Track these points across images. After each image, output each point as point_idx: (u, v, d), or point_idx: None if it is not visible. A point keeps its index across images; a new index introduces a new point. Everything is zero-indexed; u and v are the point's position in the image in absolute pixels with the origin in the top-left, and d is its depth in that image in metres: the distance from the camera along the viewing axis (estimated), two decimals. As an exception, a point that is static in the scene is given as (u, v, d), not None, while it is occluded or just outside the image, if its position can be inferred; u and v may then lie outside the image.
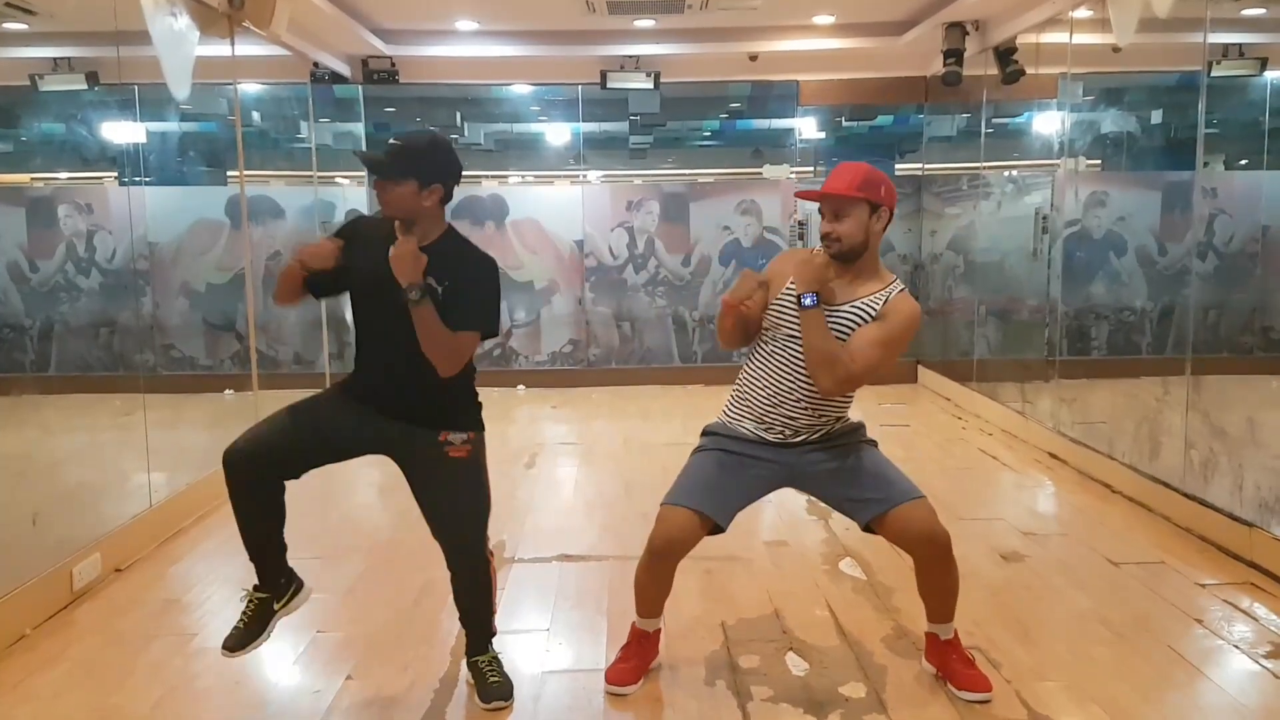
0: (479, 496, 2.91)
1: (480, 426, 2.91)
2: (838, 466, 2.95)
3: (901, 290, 2.92)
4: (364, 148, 8.39)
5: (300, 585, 2.97)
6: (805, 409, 2.93)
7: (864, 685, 3.04)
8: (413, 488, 2.91)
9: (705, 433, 3.10)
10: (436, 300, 2.72)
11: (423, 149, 2.87)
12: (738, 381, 3.08)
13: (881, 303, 2.88)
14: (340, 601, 3.78)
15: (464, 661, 3.07)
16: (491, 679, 2.96)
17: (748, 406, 3.00)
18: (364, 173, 8.39)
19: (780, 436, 2.95)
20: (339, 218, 8.06)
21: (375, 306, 2.83)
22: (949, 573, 2.95)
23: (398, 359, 2.79)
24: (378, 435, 2.85)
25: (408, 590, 3.83)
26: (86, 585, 3.85)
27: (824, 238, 2.89)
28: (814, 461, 2.96)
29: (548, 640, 3.40)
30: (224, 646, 2.81)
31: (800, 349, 2.87)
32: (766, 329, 2.99)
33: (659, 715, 2.89)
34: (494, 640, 3.07)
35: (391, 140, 2.82)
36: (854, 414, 3.07)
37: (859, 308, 2.88)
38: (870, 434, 3.12)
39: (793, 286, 2.89)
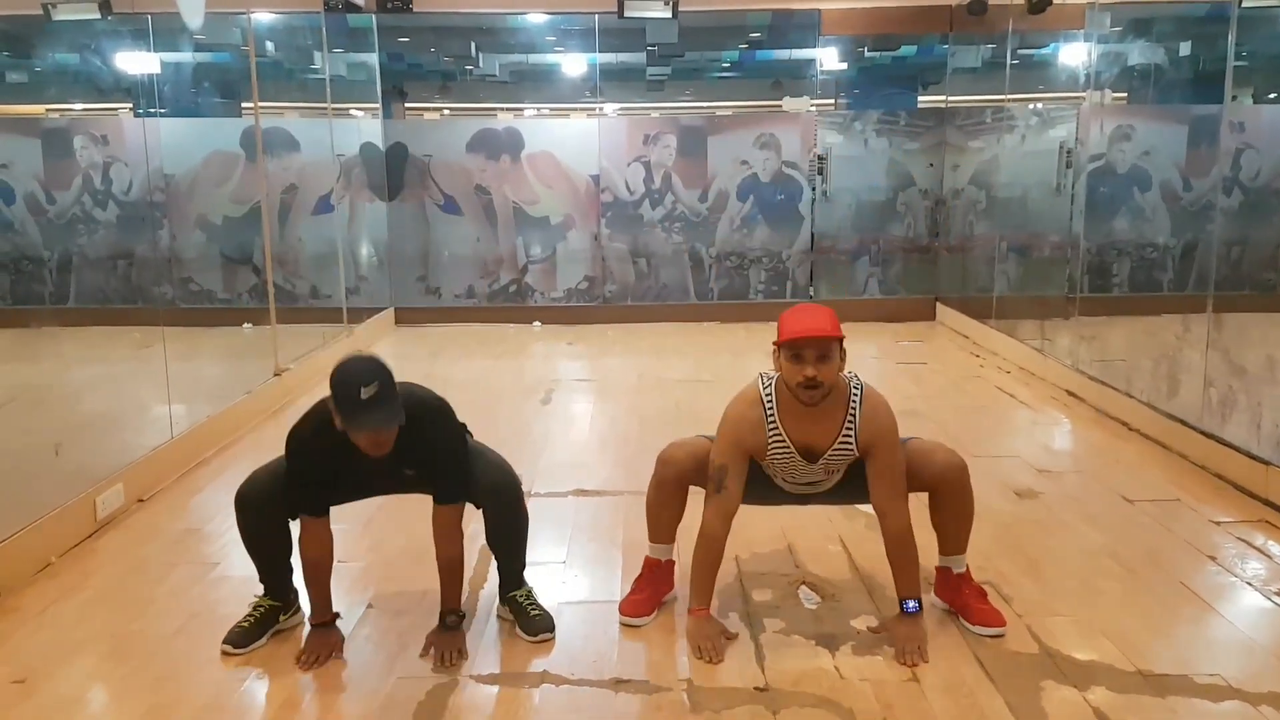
0: (486, 451, 3.06)
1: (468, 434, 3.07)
2: (850, 476, 3.03)
3: (865, 397, 2.89)
4: (378, 80, 8.30)
5: (299, 607, 3.09)
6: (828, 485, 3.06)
7: (875, 619, 3.07)
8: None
9: None
10: (413, 482, 2.91)
11: (385, 369, 2.70)
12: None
13: (854, 429, 2.86)
14: (360, 532, 3.82)
15: (495, 602, 3.14)
16: (533, 612, 3.01)
17: None
18: (377, 105, 8.32)
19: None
20: (354, 150, 8.01)
21: (361, 488, 3.03)
22: (966, 500, 2.98)
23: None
24: (377, 490, 3.12)
25: (426, 521, 3.84)
26: (109, 515, 3.91)
27: (807, 385, 2.76)
28: (831, 489, 3.09)
29: (564, 572, 3.45)
30: (226, 641, 2.90)
31: (802, 489, 3.03)
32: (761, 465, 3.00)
33: (672, 646, 2.93)
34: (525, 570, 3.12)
35: (366, 388, 2.59)
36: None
37: (844, 446, 2.89)
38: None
39: (777, 442, 2.89)
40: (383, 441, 2.68)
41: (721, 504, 2.90)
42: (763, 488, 3.04)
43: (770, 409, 2.89)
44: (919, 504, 3.07)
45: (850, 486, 3.04)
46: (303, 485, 2.86)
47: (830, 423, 2.87)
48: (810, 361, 2.75)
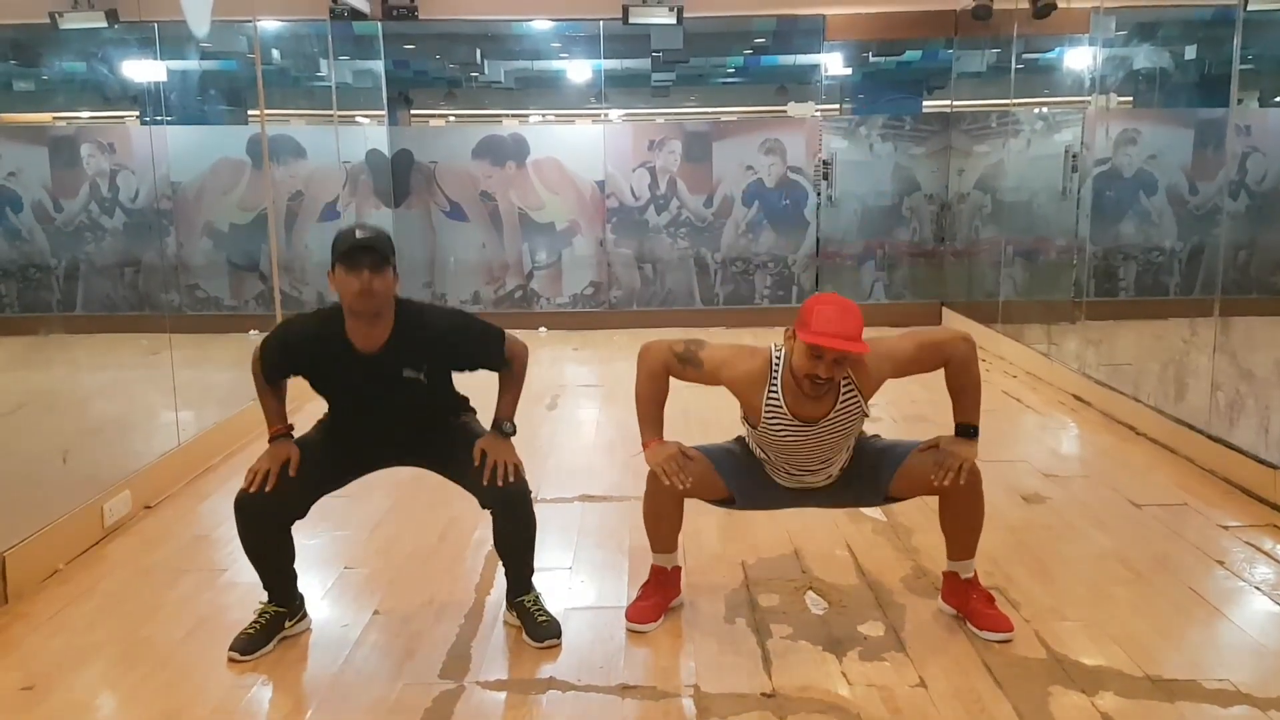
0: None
1: (470, 411, 3.10)
2: (848, 477, 3.03)
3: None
4: (384, 87, 8.32)
5: (306, 613, 3.10)
6: (821, 481, 3.02)
7: (882, 624, 3.07)
8: (442, 471, 3.04)
9: (740, 439, 3.13)
10: (425, 387, 2.86)
11: (386, 233, 2.81)
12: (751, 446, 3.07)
13: (853, 387, 2.82)
14: (367, 538, 3.83)
15: (502, 608, 3.13)
16: (540, 618, 3.01)
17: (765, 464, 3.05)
18: (383, 112, 8.34)
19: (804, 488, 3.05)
20: (360, 157, 8.04)
21: (358, 408, 2.92)
22: (977, 506, 2.96)
23: (389, 428, 2.94)
24: (378, 459, 3.06)
25: (433, 526, 3.88)
26: (117, 521, 3.92)
27: (812, 379, 2.70)
28: (829, 488, 3.05)
29: (570, 578, 3.45)
30: (233, 648, 2.90)
31: (806, 457, 2.92)
32: (754, 432, 2.95)
33: (679, 652, 2.93)
34: (532, 576, 3.11)
35: (360, 232, 2.74)
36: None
37: (845, 405, 2.84)
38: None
39: (776, 411, 2.84)
40: (374, 291, 2.69)
41: (680, 364, 2.95)
42: (761, 487, 3.04)
43: (775, 377, 2.83)
44: (928, 507, 3.07)
45: (851, 488, 3.03)
46: (281, 351, 2.91)
47: (828, 397, 2.82)
48: (826, 363, 2.67)
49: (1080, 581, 3.36)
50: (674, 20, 7.73)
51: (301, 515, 2.95)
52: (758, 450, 3.01)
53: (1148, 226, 6.40)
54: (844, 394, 2.82)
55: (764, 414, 2.85)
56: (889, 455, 3.00)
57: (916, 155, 8.51)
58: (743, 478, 3.03)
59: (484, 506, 2.96)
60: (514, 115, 9.90)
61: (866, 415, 2.89)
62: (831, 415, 2.83)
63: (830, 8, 8.23)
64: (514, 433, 2.97)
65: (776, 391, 2.83)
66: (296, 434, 2.98)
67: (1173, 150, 6.31)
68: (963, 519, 3.00)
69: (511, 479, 2.87)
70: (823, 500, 3.12)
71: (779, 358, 2.85)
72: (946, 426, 2.97)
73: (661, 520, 3.08)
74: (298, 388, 2.98)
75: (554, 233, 8.56)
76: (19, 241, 7.64)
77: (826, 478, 3.01)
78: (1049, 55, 7.13)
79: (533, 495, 4.22)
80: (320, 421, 3.06)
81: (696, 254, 8.57)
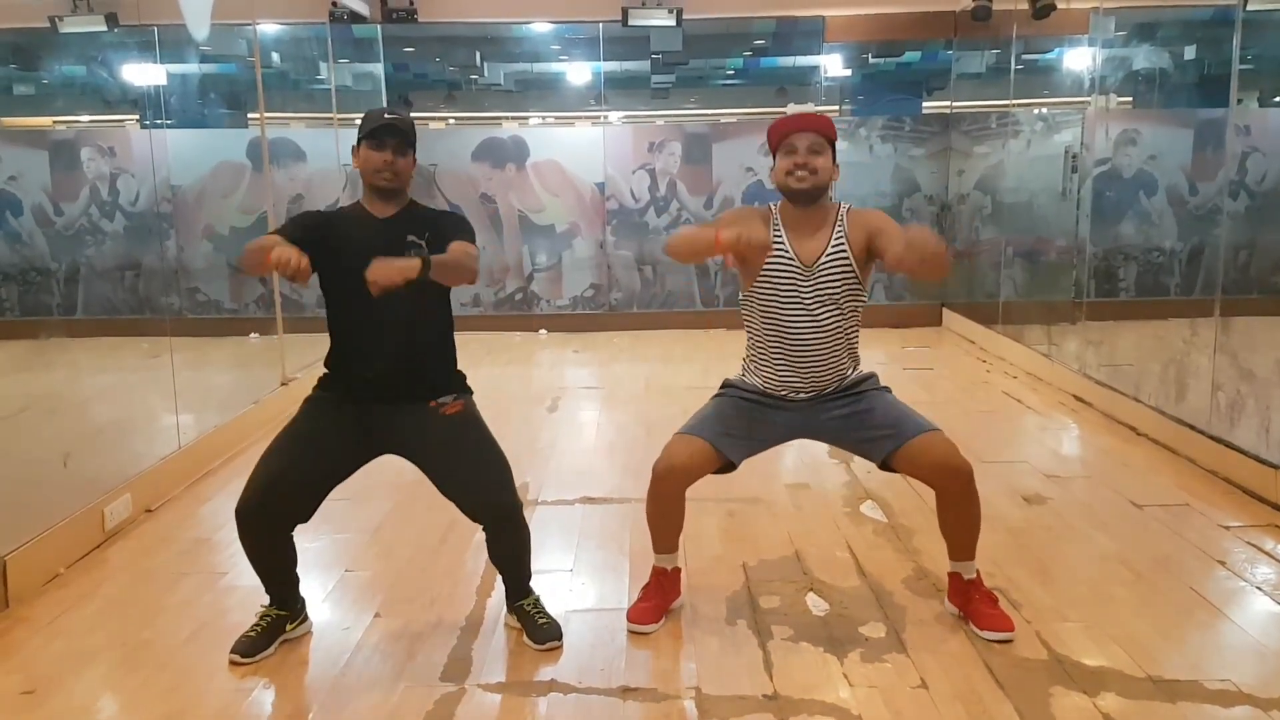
0: (492, 447, 2.95)
1: (466, 390, 3.02)
2: (850, 412, 3.00)
3: (851, 209, 3.01)
4: (384, 90, 8.33)
5: (307, 616, 3.09)
6: (819, 367, 2.98)
7: (884, 625, 3.06)
8: (427, 471, 2.95)
9: (725, 384, 3.13)
10: (424, 254, 2.81)
11: (411, 119, 2.99)
12: (748, 342, 3.11)
13: (844, 232, 2.95)
14: (368, 541, 3.83)
15: (503, 611, 3.13)
16: (540, 620, 3.01)
17: (764, 367, 3.04)
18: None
19: (798, 394, 3.01)
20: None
21: (365, 299, 2.70)
22: (971, 506, 2.96)
23: (387, 345, 2.88)
24: (370, 438, 2.93)
25: (434, 529, 3.88)
26: (118, 525, 3.92)
27: (797, 169, 2.89)
28: (828, 412, 3.01)
29: (571, 580, 3.45)
30: (234, 651, 2.89)
31: (802, 314, 2.95)
32: (754, 293, 3.02)
33: (680, 653, 2.93)
34: (530, 580, 3.11)
35: (389, 113, 2.91)
36: (877, 357, 3.06)
37: (836, 251, 2.94)
38: (893, 377, 3.14)
39: (779, 250, 2.95)
40: (396, 169, 2.88)
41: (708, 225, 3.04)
42: (753, 428, 3.02)
43: (776, 216, 3.00)
44: (929, 509, 3.06)
45: (857, 430, 3.00)
46: (292, 225, 2.89)
47: (823, 233, 2.96)
48: (801, 152, 2.89)
49: (1081, 582, 3.36)
50: (673, 22, 7.73)
51: (305, 519, 2.93)
52: (754, 336, 3.05)
53: (1148, 227, 6.41)
54: (834, 237, 2.94)
55: (769, 249, 2.93)
56: (895, 428, 2.95)
57: (916, 156, 8.51)
58: (730, 426, 3.01)
59: (474, 519, 2.95)
60: (514, 117, 9.90)
61: (856, 275, 2.95)
62: (825, 256, 2.93)
63: (830, 9, 8.23)
64: (425, 254, 2.74)
65: (779, 226, 2.98)
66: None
67: (1172, 150, 6.32)
68: (959, 519, 2.99)
69: (383, 283, 2.56)
70: (818, 428, 3.06)
71: (775, 204, 3.04)
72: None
73: (665, 518, 3.08)
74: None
75: (554, 235, 8.56)
76: (19, 245, 7.65)
77: (821, 376, 2.98)
78: (1048, 56, 7.14)
79: (534, 498, 4.26)
80: (304, 403, 2.97)
81: (697, 256, 8.55)
